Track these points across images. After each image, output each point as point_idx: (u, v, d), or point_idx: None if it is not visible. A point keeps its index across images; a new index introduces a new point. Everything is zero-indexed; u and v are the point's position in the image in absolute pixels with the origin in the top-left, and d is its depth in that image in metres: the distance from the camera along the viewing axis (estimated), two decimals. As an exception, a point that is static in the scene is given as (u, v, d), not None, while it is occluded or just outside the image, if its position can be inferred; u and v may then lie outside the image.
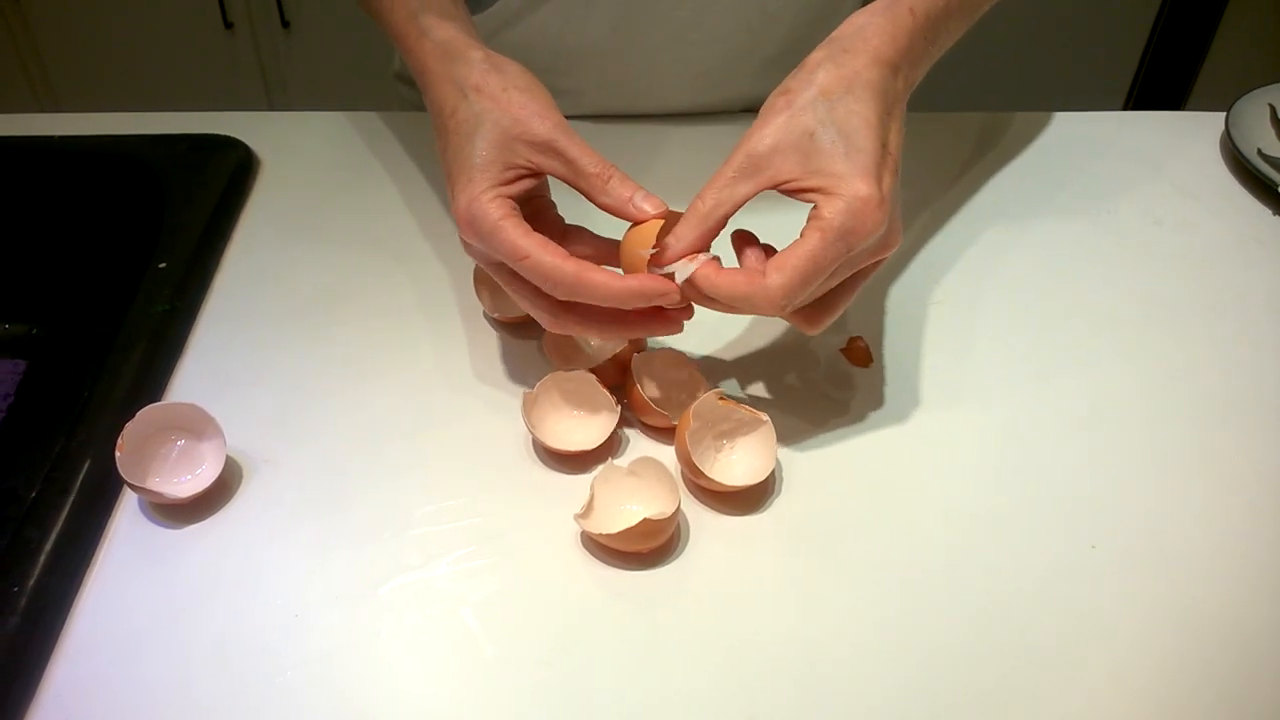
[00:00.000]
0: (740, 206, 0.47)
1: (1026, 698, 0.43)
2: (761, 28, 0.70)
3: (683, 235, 0.47)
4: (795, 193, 0.46)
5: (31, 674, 0.43)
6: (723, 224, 0.47)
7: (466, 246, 0.49)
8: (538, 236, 0.46)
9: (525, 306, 0.49)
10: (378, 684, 0.44)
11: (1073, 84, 1.62)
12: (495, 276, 0.49)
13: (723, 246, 0.48)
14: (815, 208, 0.45)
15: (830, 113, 0.45)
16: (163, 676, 0.44)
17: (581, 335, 0.55)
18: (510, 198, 0.47)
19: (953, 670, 0.44)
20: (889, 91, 0.47)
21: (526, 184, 0.48)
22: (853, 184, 0.44)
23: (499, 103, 0.48)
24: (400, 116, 0.74)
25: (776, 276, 0.44)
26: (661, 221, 0.48)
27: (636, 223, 0.48)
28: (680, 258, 0.47)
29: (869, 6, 0.49)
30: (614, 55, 0.70)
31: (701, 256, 0.47)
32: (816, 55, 0.48)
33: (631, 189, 0.48)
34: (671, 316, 0.49)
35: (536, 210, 0.51)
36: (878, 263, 0.48)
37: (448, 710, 0.43)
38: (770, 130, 0.46)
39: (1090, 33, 1.56)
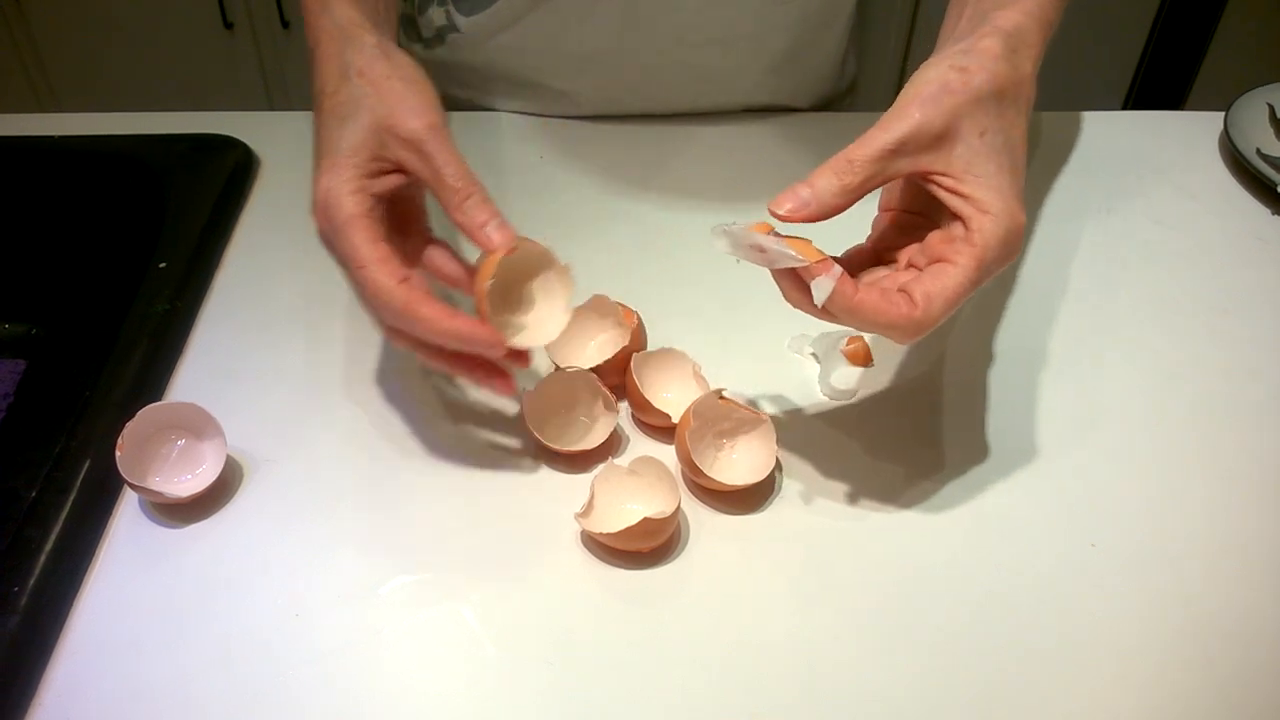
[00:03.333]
0: (875, 188, 0.42)
1: (1027, 696, 0.43)
2: (763, 31, 0.70)
3: (821, 189, 0.41)
4: (942, 188, 0.42)
5: (32, 674, 0.43)
6: (862, 194, 0.42)
7: (320, 231, 0.46)
8: (383, 249, 0.44)
9: (362, 306, 0.46)
10: (378, 683, 0.44)
11: (1072, 84, 1.62)
12: (339, 266, 0.46)
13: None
14: (968, 228, 0.41)
15: (999, 118, 0.42)
16: (163, 676, 0.44)
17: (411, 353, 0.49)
18: (373, 194, 0.45)
19: (953, 669, 0.44)
20: (1026, 111, 0.44)
21: (393, 181, 0.45)
22: (1012, 206, 0.41)
23: (379, 90, 0.45)
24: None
25: (934, 307, 0.41)
26: (501, 254, 0.44)
27: (486, 251, 0.45)
28: (809, 208, 0.40)
29: (1019, 7, 0.45)
30: (615, 57, 0.70)
31: (836, 270, 0.41)
32: (992, 42, 0.43)
33: (488, 214, 0.44)
34: (495, 373, 0.46)
35: (404, 214, 0.48)
36: None
37: (449, 710, 0.43)
38: (947, 110, 0.41)
39: (1089, 32, 1.56)
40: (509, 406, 0.54)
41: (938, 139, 0.42)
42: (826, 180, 0.41)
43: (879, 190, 0.45)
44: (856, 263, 0.47)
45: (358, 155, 0.45)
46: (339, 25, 0.48)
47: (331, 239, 0.45)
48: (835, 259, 0.43)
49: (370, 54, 0.47)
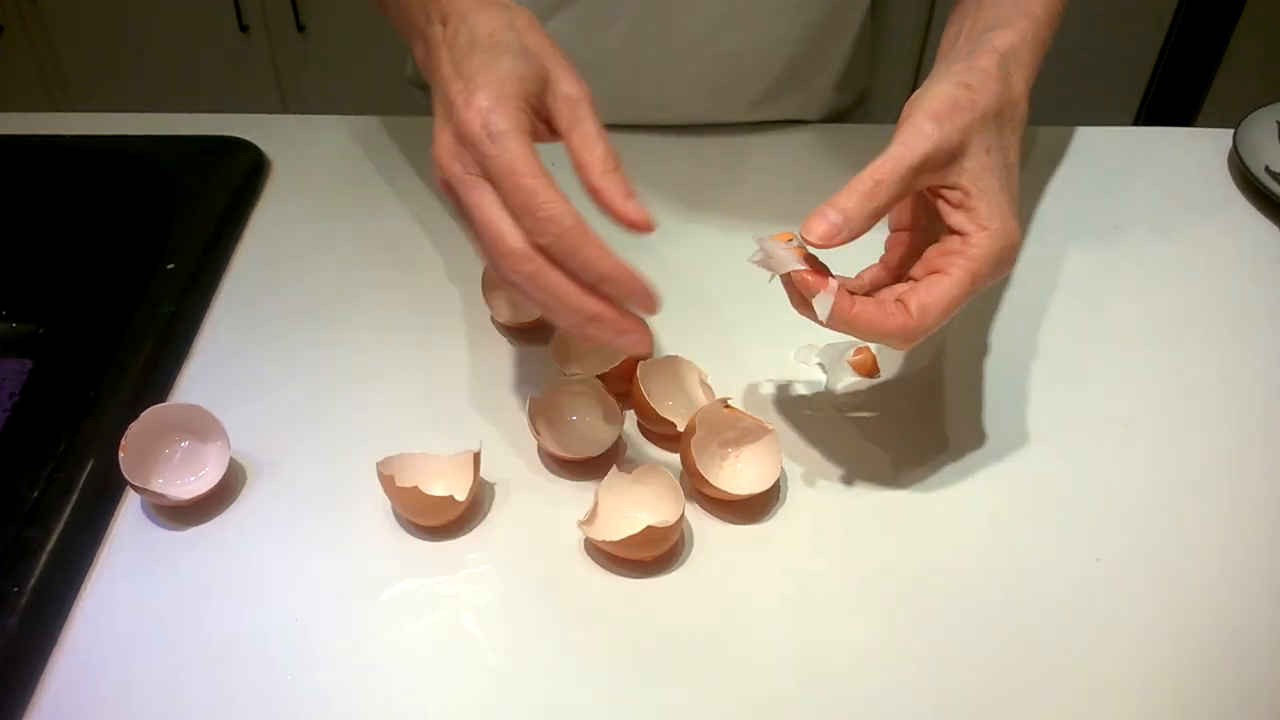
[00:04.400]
0: (907, 196, 0.43)
1: (1031, 710, 0.43)
2: (773, 45, 0.70)
3: (853, 213, 0.42)
4: (949, 204, 0.43)
5: (31, 674, 0.43)
6: (886, 211, 0.43)
7: (447, 157, 0.43)
8: (544, 167, 0.42)
9: (485, 247, 0.43)
10: (378, 689, 0.43)
11: (1083, 99, 1.62)
12: (459, 192, 0.43)
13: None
14: (965, 241, 0.43)
15: (1000, 137, 0.44)
16: (162, 678, 0.43)
17: (536, 303, 0.44)
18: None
19: (958, 681, 0.44)
20: (1019, 131, 0.46)
21: (539, 130, 0.44)
22: (1009, 223, 0.43)
23: (544, 45, 0.45)
24: (413, 122, 0.74)
25: (925, 318, 0.42)
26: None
27: (623, 223, 0.43)
28: (842, 234, 0.42)
29: (1012, 27, 0.47)
30: (627, 66, 0.70)
31: (833, 284, 0.43)
32: (988, 63, 0.45)
33: (630, 190, 0.43)
34: (633, 325, 0.43)
35: None
36: None
37: (449, 716, 0.43)
38: (959, 125, 0.43)
39: (1101, 49, 1.56)
40: (515, 413, 0.54)
41: (952, 155, 0.43)
42: (857, 203, 0.42)
43: None
44: (878, 286, 0.48)
45: (524, 84, 0.43)
46: None
47: (488, 148, 0.42)
48: (852, 278, 0.45)
49: (528, 17, 0.46)
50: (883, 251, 0.50)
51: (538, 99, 0.44)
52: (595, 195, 0.43)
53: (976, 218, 0.43)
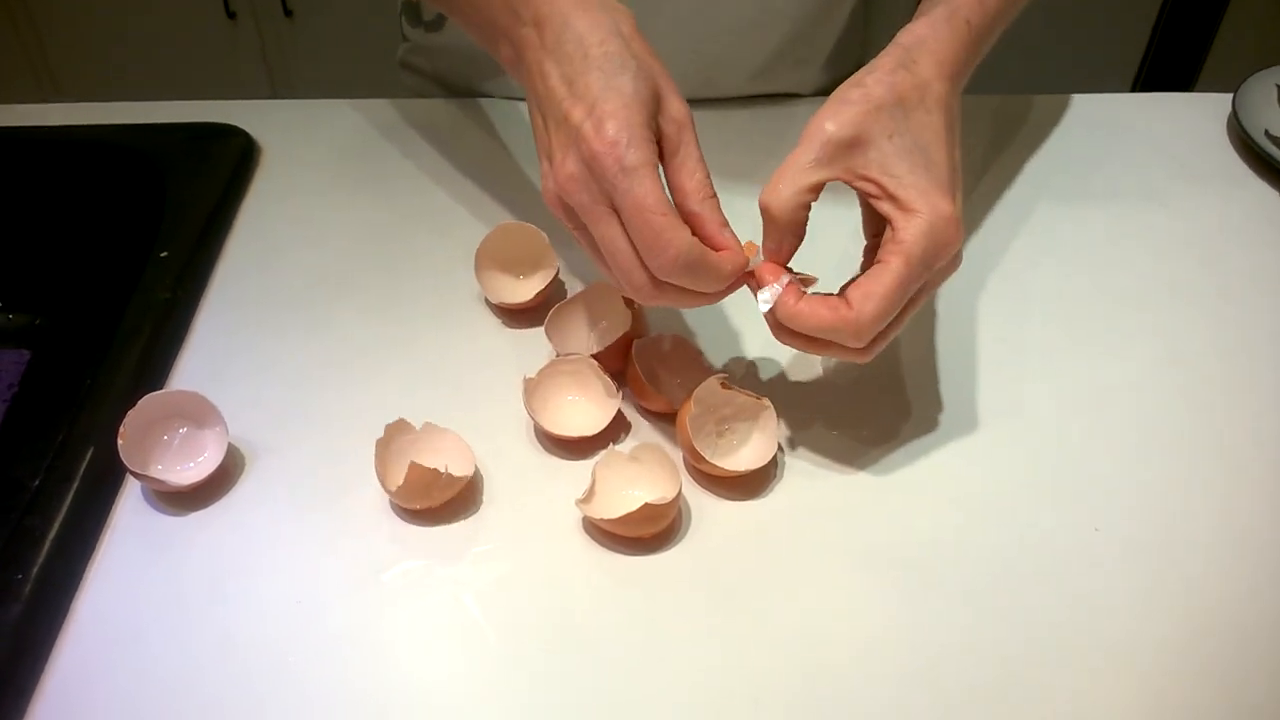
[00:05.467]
0: (818, 195, 0.45)
1: (1029, 679, 0.43)
2: (766, 21, 0.70)
3: (767, 235, 0.45)
4: (867, 193, 0.44)
5: (36, 661, 0.44)
6: (804, 216, 0.45)
7: (568, 183, 0.44)
8: (669, 201, 0.43)
9: (610, 272, 0.45)
10: (380, 671, 0.44)
11: (1081, 66, 1.61)
12: (590, 228, 0.44)
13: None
14: (894, 228, 0.44)
15: (906, 121, 0.44)
16: (165, 663, 0.44)
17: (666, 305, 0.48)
18: None
19: (955, 652, 0.44)
20: (953, 107, 0.46)
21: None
22: (933, 201, 0.43)
23: (649, 61, 0.45)
24: (404, 104, 0.74)
25: (867, 305, 0.43)
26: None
27: (715, 248, 0.45)
28: (769, 270, 0.45)
29: (928, 17, 0.48)
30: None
31: (785, 277, 0.45)
32: (887, 59, 0.46)
33: (723, 217, 0.45)
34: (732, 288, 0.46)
35: None
36: (935, 283, 0.46)
37: (451, 696, 0.43)
38: (850, 120, 0.44)
39: (1098, 15, 1.54)
40: (511, 393, 0.54)
41: (850, 147, 0.44)
42: (766, 230, 0.45)
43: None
44: None
45: (646, 108, 0.43)
46: None
47: (616, 180, 0.42)
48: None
49: (631, 22, 0.45)
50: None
51: (654, 119, 0.44)
52: (691, 221, 0.44)
53: (899, 204, 0.44)
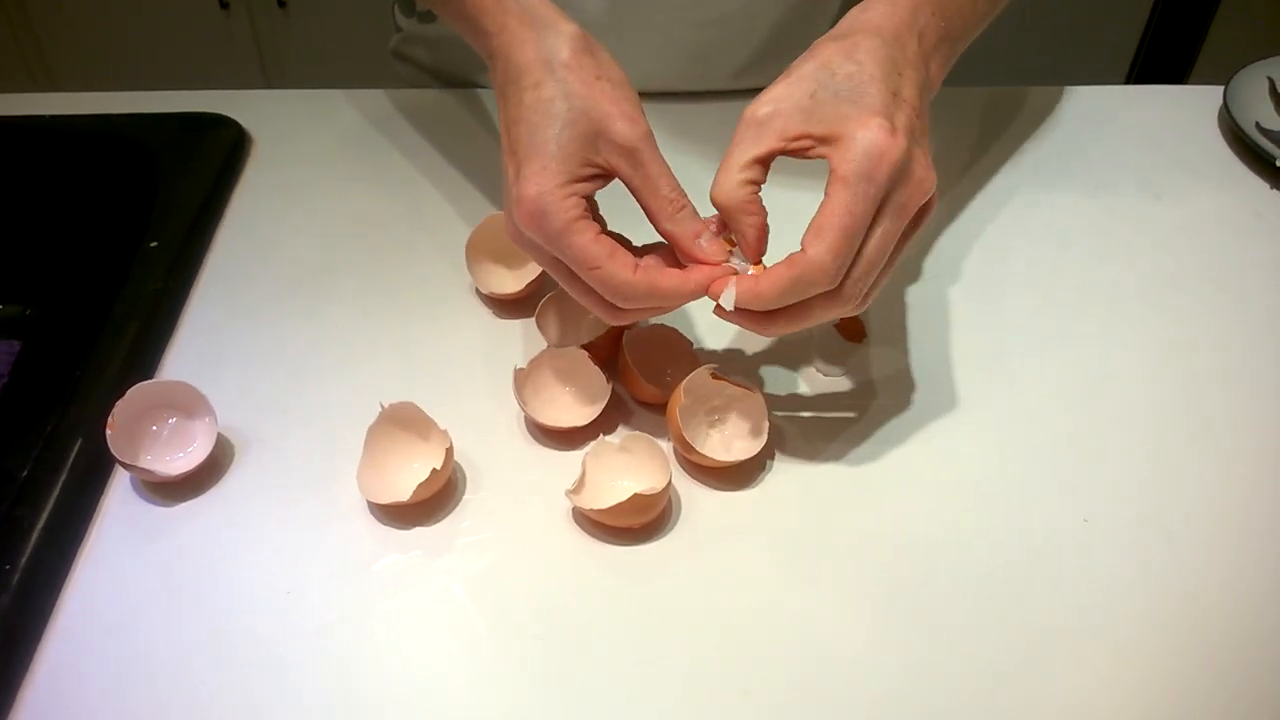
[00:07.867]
0: (763, 174, 0.45)
1: (1020, 669, 0.44)
2: (757, 10, 0.69)
3: (729, 225, 0.45)
4: (805, 150, 0.44)
5: (24, 652, 0.44)
6: (751, 195, 0.45)
7: (516, 236, 0.46)
8: (607, 243, 0.44)
9: (582, 302, 0.47)
10: (371, 660, 0.44)
11: (1074, 59, 1.61)
12: (550, 271, 0.47)
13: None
14: (830, 164, 0.43)
15: (831, 78, 0.44)
16: (155, 653, 0.44)
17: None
18: (583, 197, 0.44)
19: (946, 641, 0.44)
20: (894, 56, 0.45)
21: (599, 184, 0.45)
22: (860, 120, 0.42)
23: (590, 90, 0.44)
24: (396, 94, 0.73)
25: (818, 244, 0.41)
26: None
27: (693, 262, 0.46)
28: (718, 279, 0.45)
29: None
30: (610, 32, 0.69)
31: (738, 266, 0.45)
32: (821, 39, 0.46)
33: (700, 225, 0.45)
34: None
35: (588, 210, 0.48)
36: (919, 220, 0.45)
37: (441, 685, 0.43)
38: (770, 96, 0.44)
39: (1092, 8, 1.54)
40: (501, 383, 0.54)
41: (774, 117, 0.44)
42: (732, 216, 0.45)
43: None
44: None
45: (570, 160, 0.44)
46: (526, 8, 0.46)
47: (548, 245, 0.44)
48: None
49: (574, 46, 0.45)
50: None
51: (590, 162, 0.44)
52: (667, 238, 0.46)
53: (828, 141, 0.43)
